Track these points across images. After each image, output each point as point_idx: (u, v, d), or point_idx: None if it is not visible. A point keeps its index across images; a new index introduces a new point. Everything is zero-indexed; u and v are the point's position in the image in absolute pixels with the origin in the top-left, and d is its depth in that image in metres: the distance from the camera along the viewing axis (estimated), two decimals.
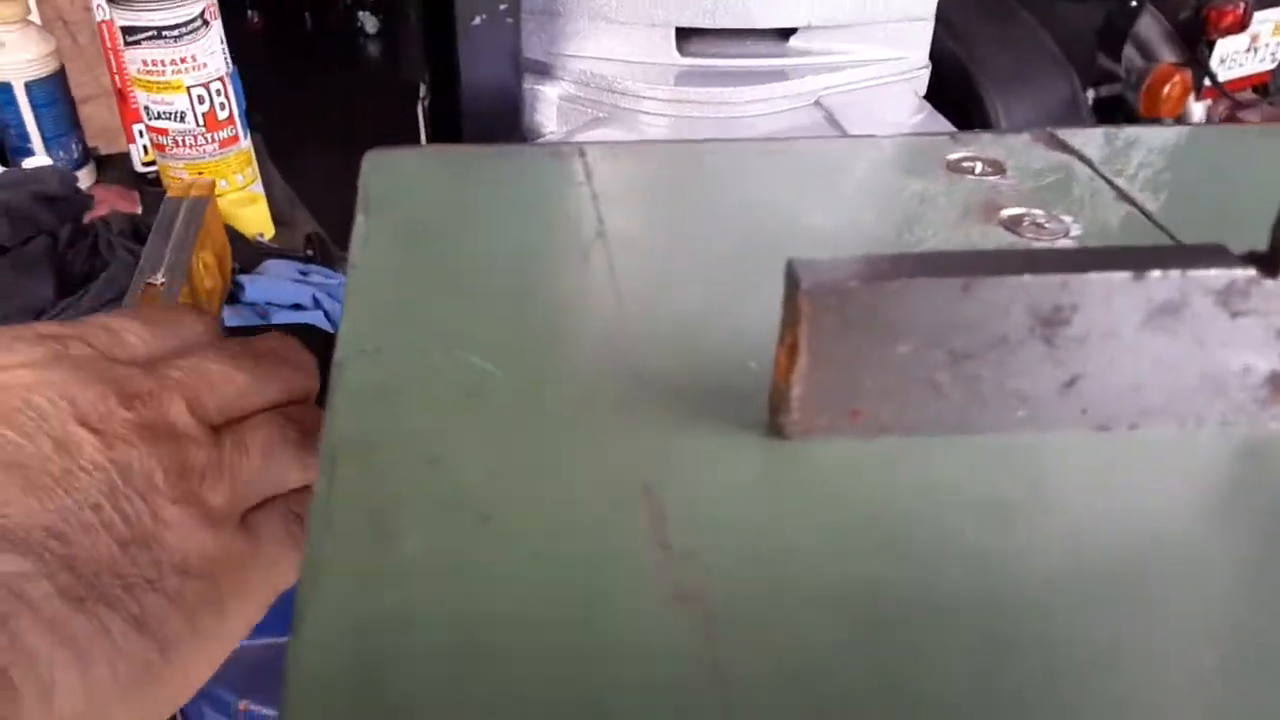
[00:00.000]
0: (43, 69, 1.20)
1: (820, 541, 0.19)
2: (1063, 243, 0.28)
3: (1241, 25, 2.27)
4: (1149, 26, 2.46)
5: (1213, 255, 0.20)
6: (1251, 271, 0.20)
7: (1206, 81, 2.38)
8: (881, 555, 0.19)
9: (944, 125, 0.44)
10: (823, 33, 0.46)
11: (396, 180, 0.30)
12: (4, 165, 1.22)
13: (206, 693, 0.61)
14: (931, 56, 2.42)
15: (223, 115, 1.16)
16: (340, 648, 0.18)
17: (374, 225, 0.28)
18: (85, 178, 1.25)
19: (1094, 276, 0.20)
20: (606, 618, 0.18)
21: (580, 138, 0.45)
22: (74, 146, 1.23)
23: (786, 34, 0.48)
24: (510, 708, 0.16)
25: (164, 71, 1.11)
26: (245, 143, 1.19)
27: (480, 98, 0.43)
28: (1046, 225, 0.29)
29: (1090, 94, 2.44)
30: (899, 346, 0.21)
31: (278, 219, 1.19)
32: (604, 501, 0.20)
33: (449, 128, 0.44)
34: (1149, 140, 0.33)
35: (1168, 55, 2.42)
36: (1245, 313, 0.20)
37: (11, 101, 1.21)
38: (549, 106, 0.46)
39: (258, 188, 1.20)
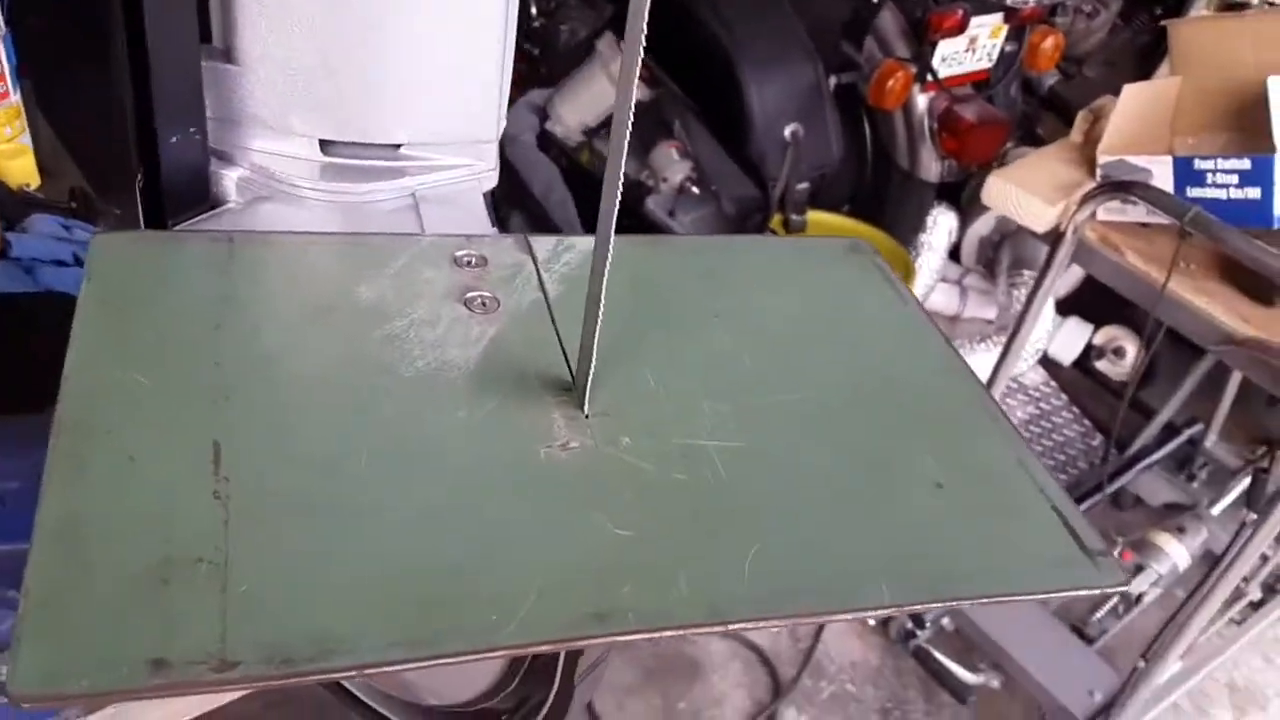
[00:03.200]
0: None
1: None
2: (496, 312, 0.52)
3: (960, 28, 2.63)
4: (887, 23, 2.79)
5: None
6: None
7: (930, 77, 2.75)
8: None
9: (485, 225, 0.67)
10: (420, 146, 0.68)
11: (111, 258, 0.51)
12: None
13: None
14: (698, 40, 2.67)
15: None
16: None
17: (89, 290, 0.49)
18: None
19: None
20: None
21: (250, 210, 0.66)
22: None
23: (398, 145, 0.70)
24: None
25: None
26: (15, 97, 1.29)
27: (177, 184, 0.63)
28: (486, 304, 0.53)
29: (833, 80, 2.78)
30: None
31: (44, 169, 1.31)
32: None
33: (156, 197, 0.63)
34: (581, 246, 0.57)
35: (902, 51, 2.77)
36: None
37: None
38: (231, 184, 0.66)
39: (26, 139, 1.31)
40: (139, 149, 0.61)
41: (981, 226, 3.04)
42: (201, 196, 0.64)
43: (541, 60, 2.94)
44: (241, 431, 0.43)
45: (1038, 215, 1.85)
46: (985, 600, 0.43)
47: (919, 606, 0.42)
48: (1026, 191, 1.82)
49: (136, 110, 0.60)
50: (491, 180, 0.72)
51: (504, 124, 0.73)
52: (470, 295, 0.53)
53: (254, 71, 0.61)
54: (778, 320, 0.56)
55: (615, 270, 0.59)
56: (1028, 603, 2.30)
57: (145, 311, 0.48)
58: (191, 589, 0.37)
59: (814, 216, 2.68)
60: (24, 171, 1.27)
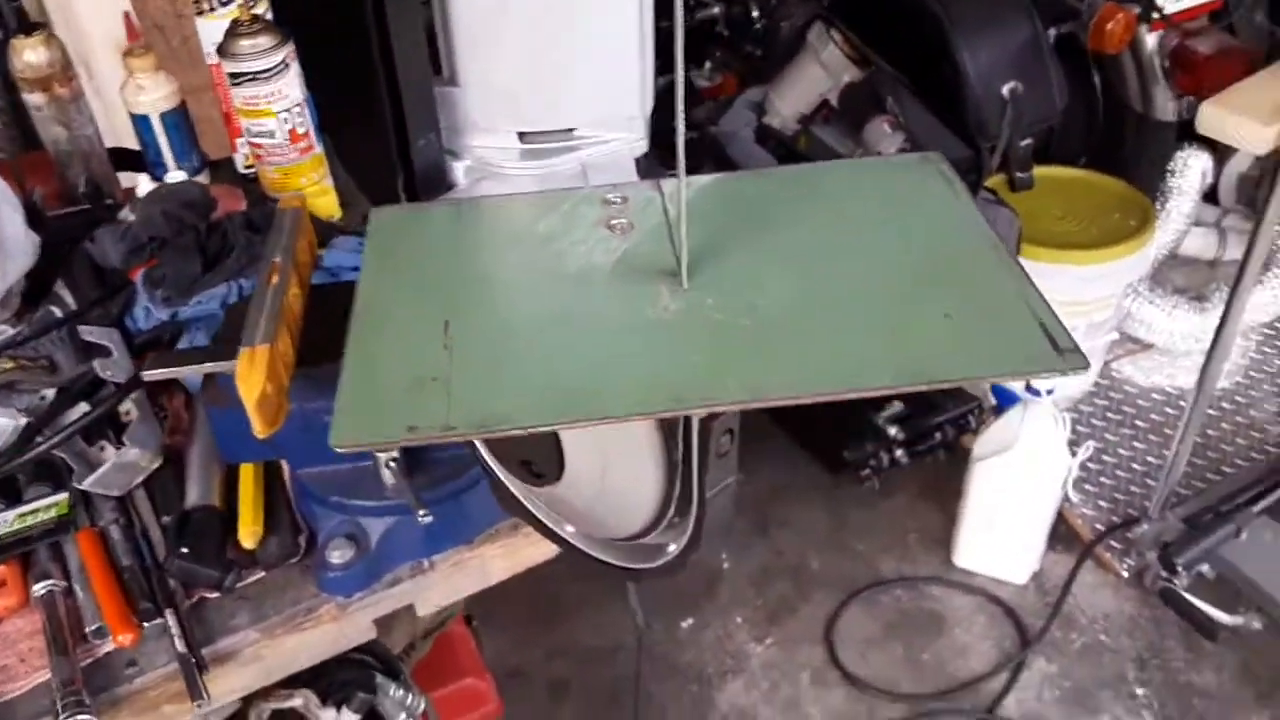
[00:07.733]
0: (171, 103, 1.72)
1: None
2: (630, 232, 0.75)
3: None
4: None
5: None
6: None
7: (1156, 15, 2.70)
8: None
9: (633, 178, 0.91)
10: (586, 127, 0.94)
11: (386, 225, 0.79)
12: (144, 172, 1.75)
13: (319, 498, 1.09)
14: (908, 13, 2.78)
15: (301, 131, 1.66)
16: None
17: (370, 243, 0.77)
18: (202, 180, 1.77)
19: None
20: None
21: (473, 188, 0.95)
22: (195, 158, 1.76)
23: (571, 129, 0.96)
24: None
25: (259, 103, 1.62)
26: (318, 148, 1.69)
27: (425, 174, 0.92)
28: (623, 228, 0.75)
29: (1052, 32, 2.80)
30: None
31: (342, 202, 1.69)
32: None
33: (412, 185, 0.93)
34: (698, 182, 0.78)
35: None
36: None
37: (150, 129, 1.73)
38: (460, 171, 0.95)
39: (328, 181, 1.71)
40: (399, 156, 0.91)
41: (1240, 164, 2.92)
42: (441, 182, 0.94)
43: (763, 60, 3.15)
44: (462, 314, 0.70)
45: (1255, 136, 1.85)
46: (966, 379, 0.60)
47: (909, 388, 0.60)
48: (1239, 114, 1.83)
49: (395, 128, 0.90)
50: (641, 148, 0.98)
51: (650, 103, 0.98)
52: (613, 222, 0.77)
53: (470, 91, 0.89)
54: (848, 214, 0.76)
55: (726, 194, 0.81)
56: None
57: (405, 252, 0.76)
58: (430, 393, 0.63)
59: (1042, 172, 2.72)
60: (329, 206, 1.66)
